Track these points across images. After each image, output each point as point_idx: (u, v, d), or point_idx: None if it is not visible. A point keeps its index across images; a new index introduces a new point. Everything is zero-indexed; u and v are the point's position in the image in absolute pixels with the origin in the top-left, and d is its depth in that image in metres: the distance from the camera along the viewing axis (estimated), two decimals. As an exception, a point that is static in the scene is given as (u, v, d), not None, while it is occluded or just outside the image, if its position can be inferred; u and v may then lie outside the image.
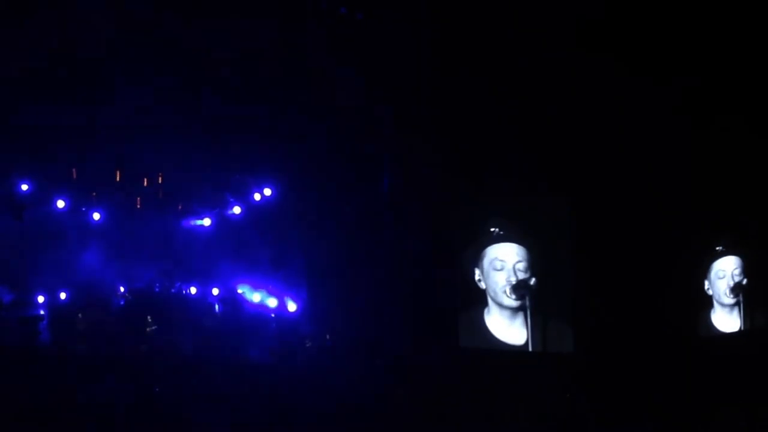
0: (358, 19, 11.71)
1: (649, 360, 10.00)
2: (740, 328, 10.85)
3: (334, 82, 11.91)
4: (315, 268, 12.57)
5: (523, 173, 10.75)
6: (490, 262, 10.57)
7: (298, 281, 12.73)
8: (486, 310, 10.69)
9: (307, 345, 12.19)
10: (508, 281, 10.39)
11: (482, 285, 10.66)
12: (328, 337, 12.14)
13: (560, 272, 10.27)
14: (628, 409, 9.46)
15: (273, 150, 12.62)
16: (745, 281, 10.84)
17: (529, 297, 10.20)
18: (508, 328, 10.57)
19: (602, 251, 10.22)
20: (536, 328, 10.32)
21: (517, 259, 10.41)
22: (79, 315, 13.58)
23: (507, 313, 10.52)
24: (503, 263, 10.50)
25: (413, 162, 11.54)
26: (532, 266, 10.35)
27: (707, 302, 10.82)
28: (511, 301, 10.39)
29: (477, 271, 10.66)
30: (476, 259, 10.66)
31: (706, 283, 10.81)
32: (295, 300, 12.71)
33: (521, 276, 10.33)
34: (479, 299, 10.70)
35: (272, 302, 12.97)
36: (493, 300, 10.58)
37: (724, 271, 10.82)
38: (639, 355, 10.02)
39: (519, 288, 10.29)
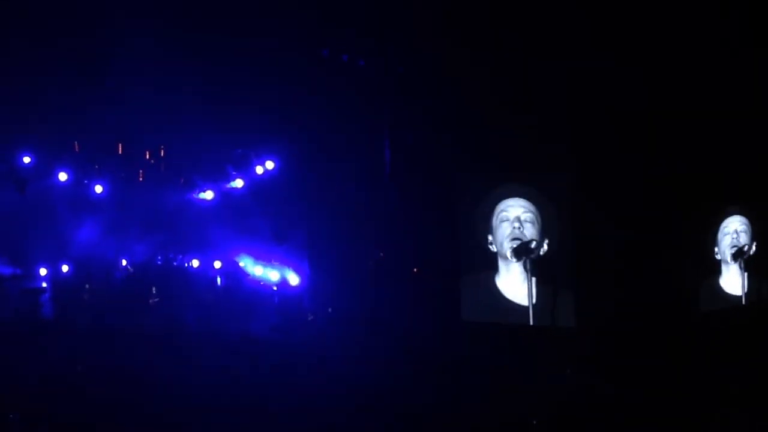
0: None
1: (654, 331, 10.01)
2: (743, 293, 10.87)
3: (338, 56, 11.86)
4: (317, 241, 12.55)
5: (529, 145, 10.72)
6: (498, 216, 10.55)
7: (301, 254, 12.72)
8: (497, 275, 10.71)
9: (310, 318, 12.20)
10: (511, 235, 10.35)
11: (493, 248, 10.65)
12: (330, 310, 12.14)
13: (563, 241, 10.26)
14: (631, 383, 9.44)
15: (275, 123, 12.56)
16: (746, 246, 10.84)
17: (529, 262, 10.14)
18: (518, 288, 10.55)
19: (607, 223, 10.22)
20: (539, 297, 10.34)
21: (521, 210, 10.37)
22: (86, 286, 13.64)
23: (515, 275, 10.54)
24: (507, 214, 10.46)
25: (414, 134, 11.51)
26: (536, 223, 10.32)
27: (716, 267, 10.81)
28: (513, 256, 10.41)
29: (489, 237, 10.66)
30: (487, 220, 10.65)
31: (716, 249, 10.79)
32: (297, 273, 12.71)
33: (521, 230, 10.28)
34: (490, 263, 10.71)
35: (274, 275, 12.98)
36: (501, 256, 10.60)
37: (728, 228, 10.80)
38: (643, 326, 10.03)
39: (520, 252, 10.24)
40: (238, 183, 13.19)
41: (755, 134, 10.30)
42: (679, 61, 10.15)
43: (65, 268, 13.67)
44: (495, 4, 10.58)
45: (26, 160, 13.02)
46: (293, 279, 12.68)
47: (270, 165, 12.93)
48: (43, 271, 13.54)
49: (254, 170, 13.01)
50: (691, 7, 9.93)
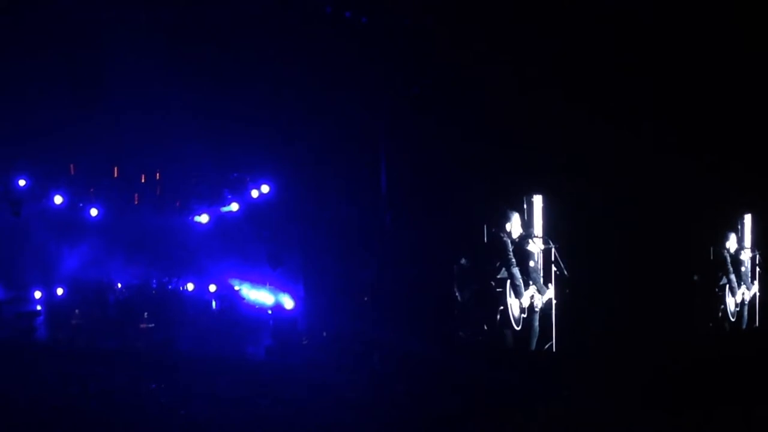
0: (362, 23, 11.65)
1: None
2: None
3: (332, 81, 11.90)
4: (312, 266, 12.56)
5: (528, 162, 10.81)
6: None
7: (296, 278, 12.73)
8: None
9: (304, 342, 12.18)
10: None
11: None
12: (324, 334, 12.13)
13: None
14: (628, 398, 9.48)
15: (271, 148, 12.59)
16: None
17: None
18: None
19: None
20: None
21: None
22: (76, 311, 13.61)
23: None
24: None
25: (410, 156, 11.55)
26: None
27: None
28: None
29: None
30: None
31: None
32: (292, 297, 12.70)
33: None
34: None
35: (269, 299, 12.97)
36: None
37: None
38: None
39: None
40: (234, 207, 13.19)
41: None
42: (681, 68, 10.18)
43: (60, 291, 13.68)
44: (493, 22, 10.62)
45: (21, 182, 13.03)
46: (288, 302, 12.67)
47: (265, 189, 12.94)
48: (37, 294, 13.55)
49: (250, 194, 13.00)
50: (693, 7, 9.93)
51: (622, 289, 10.38)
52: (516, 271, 10.75)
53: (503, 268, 10.79)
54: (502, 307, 10.92)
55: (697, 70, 10.19)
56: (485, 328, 11.04)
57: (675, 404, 9.33)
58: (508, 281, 10.83)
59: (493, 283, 10.92)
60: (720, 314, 10.88)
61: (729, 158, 10.20)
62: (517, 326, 10.86)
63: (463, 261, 11.08)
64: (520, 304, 10.81)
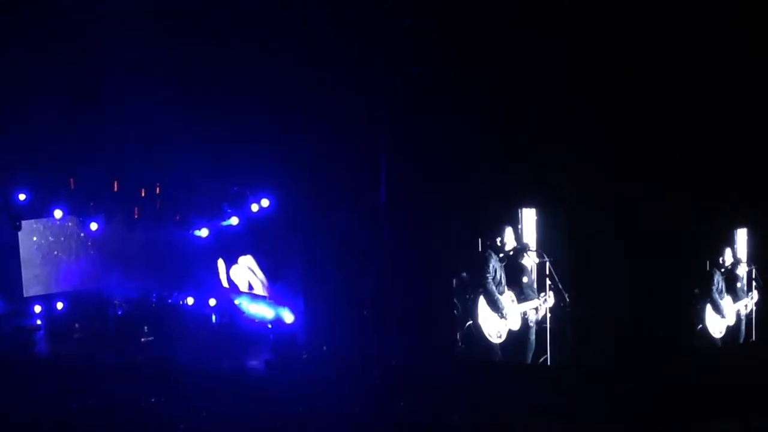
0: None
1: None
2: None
3: (332, 92, 11.95)
4: (312, 278, 12.58)
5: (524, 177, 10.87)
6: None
7: (296, 292, 12.73)
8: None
9: (304, 356, 12.19)
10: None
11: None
12: (324, 347, 12.14)
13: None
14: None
15: (271, 160, 12.61)
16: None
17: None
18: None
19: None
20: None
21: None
22: (76, 325, 13.61)
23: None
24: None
25: (410, 171, 11.59)
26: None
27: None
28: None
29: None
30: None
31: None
32: (292, 311, 12.71)
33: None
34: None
35: (269, 313, 12.99)
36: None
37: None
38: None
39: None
40: (234, 221, 13.20)
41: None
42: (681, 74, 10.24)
43: (60, 305, 13.67)
44: (491, 33, 10.67)
45: (21, 197, 13.04)
46: (288, 316, 12.69)
47: (265, 203, 12.96)
48: (37, 309, 13.54)
49: (250, 208, 13.02)
50: (693, 11, 9.99)
51: (617, 302, 10.44)
52: (492, 287, 10.86)
53: (477, 283, 10.96)
54: (470, 321, 11.05)
55: (696, 80, 10.24)
56: (461, 343, 11.20)
57: (668, 416, 9.44)
58: (481, 296, 10.94)
59: (467, 296, 11.04)
60: (699, 330, 10.95)
61: (725, 171, 10.26)
62: (496, 340, 10.99)
63: (464, 274, 11.13)
64: (502, 318, 10.89)
